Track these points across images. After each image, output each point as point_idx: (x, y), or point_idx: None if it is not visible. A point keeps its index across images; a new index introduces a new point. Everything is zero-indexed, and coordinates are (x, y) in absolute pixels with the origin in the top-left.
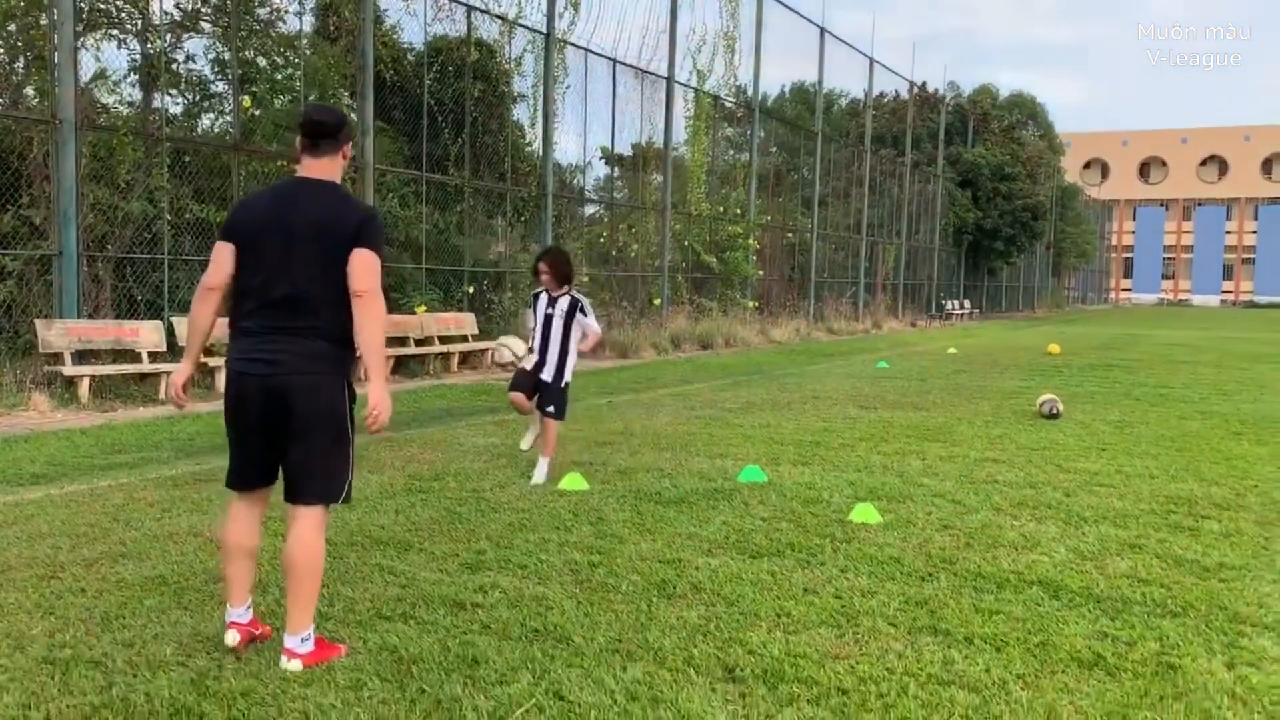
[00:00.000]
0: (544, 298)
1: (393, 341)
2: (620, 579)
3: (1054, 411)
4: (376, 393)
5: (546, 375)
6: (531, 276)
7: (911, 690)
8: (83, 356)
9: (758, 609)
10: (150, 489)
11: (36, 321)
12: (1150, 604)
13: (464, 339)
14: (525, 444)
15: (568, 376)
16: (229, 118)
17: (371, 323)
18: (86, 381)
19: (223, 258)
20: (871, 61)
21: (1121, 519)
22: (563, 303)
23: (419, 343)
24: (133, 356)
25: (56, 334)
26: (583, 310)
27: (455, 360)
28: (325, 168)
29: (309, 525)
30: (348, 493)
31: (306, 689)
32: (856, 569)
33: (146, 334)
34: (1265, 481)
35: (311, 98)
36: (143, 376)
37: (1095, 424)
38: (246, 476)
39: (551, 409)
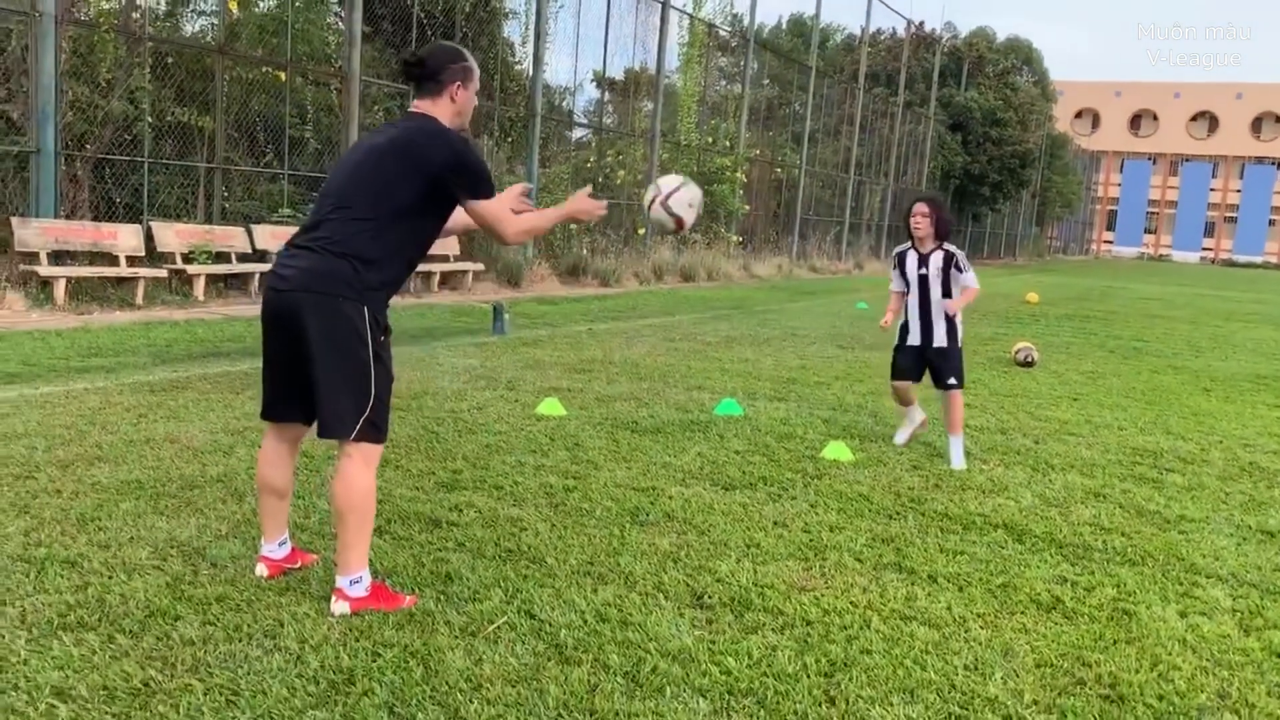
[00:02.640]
0: (912, 257)
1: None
2: (594, 504)
3: (1029, 360)
4: (570, 207)
5: (940, 340)
6: (904, 225)
7: (874, 624)
8: (59, 257)
9: (728, 539)
10: (126, 394)
11: (12, 219)
12: (1110, 551)
13: (445, 259)
14: (900, 438)
15: (961, 335)
16: (214, 20)
17: (543, 229)
18: (63, 283)
19: None
20: None
21: (1088, 468)
22: (936, 259)
23: None
24: (110, 259)
25: (33, 233)
26: (958, 266)
27: (436, 280)
28: (425, 106)
29: (345, 462)
30: (371, 431)
31: (281, 597)
32: (826, 505)
33: (125, 237)
34: (1229, 438)
35: (298, 3)
36: (120, 280)
37: (1068, 374)
38: (268, 403)
39: (953, 380)
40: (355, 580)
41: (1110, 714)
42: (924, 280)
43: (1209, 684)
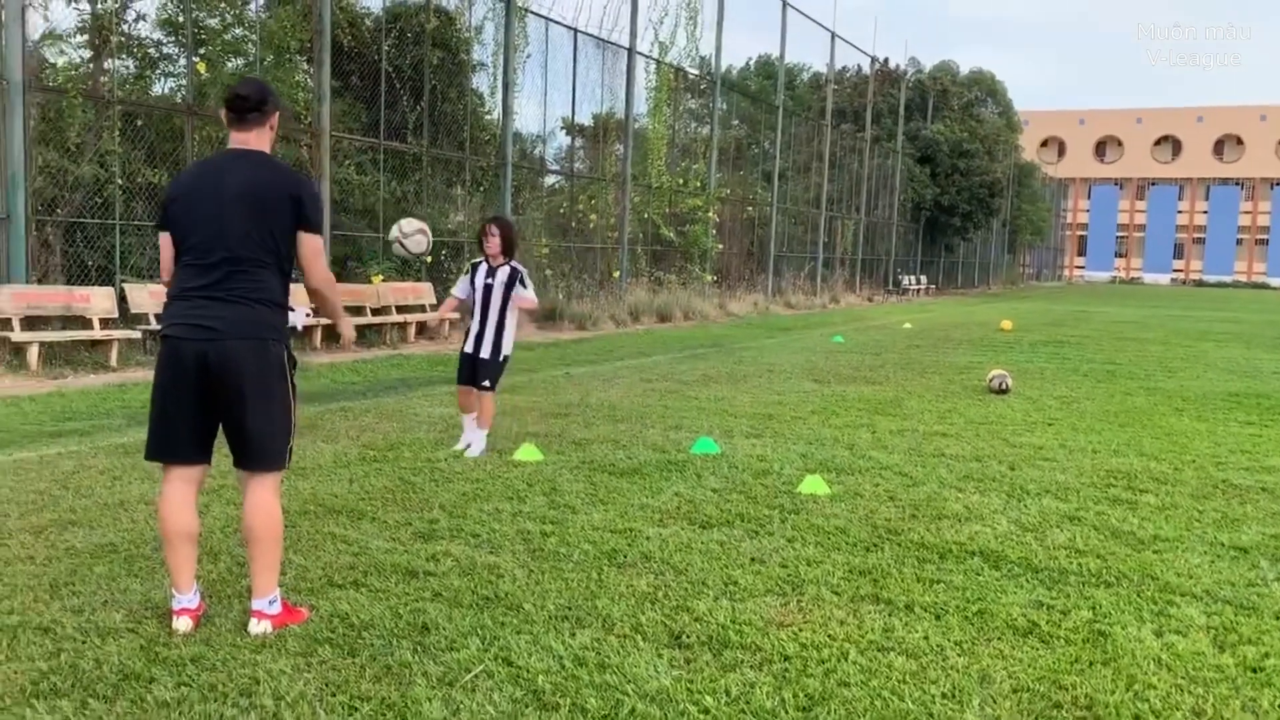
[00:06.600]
0: (483, 268)
1: (348, 311)
2: (572, 548)
3: (1003, 386)
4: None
5: (484, 353)
6: (476, 241)
7: (851, 656)
8: (32, 323)
9: (706, 577)
10: (101, 456)
11: None
12: (1086, 574)
13: (422, 309)
14: (461, 445)
15: (506, 350)
16: (181, 80)
17: (330, 305)
18: (35, 348)
19: (165, 250)
20: (833, 36)
21: (1063, 492)
22: (502, 273)
23: (375, 312)
24: (83, 323)
25: (4, 299)
26: (522, 282)
27: (413, 330)
28: (253, 139)
29: (266, 491)
30: (290, 457)
31: (257, 655)
32: (803, 539)
33: (98, 300)
34: (1202, 457)
35: (267, 61)
36: (94, 343)
37: (1043, 399)
38: (179, 449)
39: (486, 383)
40: (273, 600)
41: None
42: (488, 289)
43: (1184, 701)
